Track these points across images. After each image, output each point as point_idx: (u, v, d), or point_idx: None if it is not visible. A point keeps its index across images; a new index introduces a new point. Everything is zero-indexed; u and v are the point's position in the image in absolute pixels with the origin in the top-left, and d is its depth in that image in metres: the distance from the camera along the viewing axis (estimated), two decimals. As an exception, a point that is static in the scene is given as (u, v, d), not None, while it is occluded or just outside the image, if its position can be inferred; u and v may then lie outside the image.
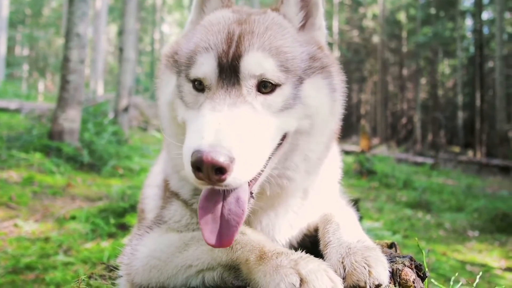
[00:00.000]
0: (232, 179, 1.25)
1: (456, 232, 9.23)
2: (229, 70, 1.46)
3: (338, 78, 1.67)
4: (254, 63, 1.45)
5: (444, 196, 13.37)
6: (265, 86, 1.47)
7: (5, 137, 9.80)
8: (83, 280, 1.89)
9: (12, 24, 39.14)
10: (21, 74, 45.15)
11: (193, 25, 1.76)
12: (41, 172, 7.97)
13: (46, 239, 5.13)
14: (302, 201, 1.77)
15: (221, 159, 1.20)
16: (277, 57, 1.48)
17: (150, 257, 1.62)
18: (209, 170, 1.22)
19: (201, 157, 1.20)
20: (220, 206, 1.37)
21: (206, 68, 1.48)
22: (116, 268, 1.87)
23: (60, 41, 44.21)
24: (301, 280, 1.25)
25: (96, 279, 2.13)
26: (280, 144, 1.52)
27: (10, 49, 41.99)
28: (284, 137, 1.53)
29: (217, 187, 1.31)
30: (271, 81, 1.46)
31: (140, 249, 1.69)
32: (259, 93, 1.47)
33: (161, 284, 1.59)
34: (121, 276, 1.74)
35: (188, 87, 1.54)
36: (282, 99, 1.48)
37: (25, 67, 46.52)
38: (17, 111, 15.63)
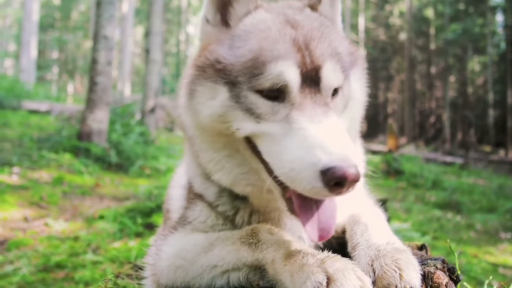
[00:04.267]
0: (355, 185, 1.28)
1: (488, 234, 8.99)
2: (309, 79, 1.43)
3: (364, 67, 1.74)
4: (332, 75, 1.46)
5: (475, 197, 13.05)
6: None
7: (36, 138, 10.06)
8: (111, 279, 1.91)
9: (43, 28, 40.13)
10: (51, 76, 46.30)
11: (215, 28, 1.66)
12: (71, 172, 8.14)
13: (76, 238, 5.22)
14: None
15: (358, 176, 1.23)
16: (339, 61, 1.49)
17: (175, 257, 1.63)
18: (350, 185, 1.23)
19: (345, 175, 1.20)
20: (314, 203, 1.38)
21: (287, 77, 1.42)
22: (142, 268, 1.88)
23: (88, 44, 45.11)
24: (328, 278, 1.22)
25: (123, 279, 2.15)
26: None
27: (41, 52, 43.06)
28: None
29: (331, 197, 1.33)
30: (339, 87, 1.50)
31: (165, 250, 1.70)
32: (332, 98, 1.50)
33: (186, 284, 1.59)
34: (147, 277, 1.75)
35: (255, 98, 1.45)
36: (343, 99, 1.53)
37: (55, 69, 47.66)
38: (48, 112, 16.02)
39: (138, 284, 2.04)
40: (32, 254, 4.62)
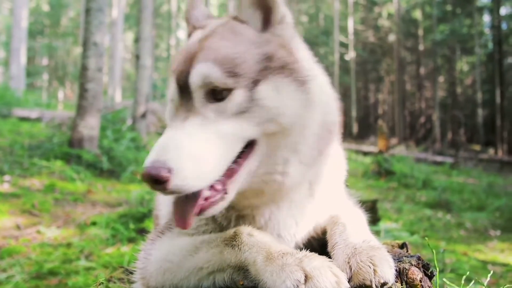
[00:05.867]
0: (175, 186, 1.32)
1: (477, 232, 9.11)
2: (184, 88, 1.52)
3: (307, 70, 1.62)
4: (198, 75, 1.48)
5: (465, 195, 13.20)
6: (218, 94, 1.49)
7: (27, 145, 10.03)
8: (102, 283, 1.96)
9: (32, 34, 39.91)
10: (41, 83, 46.05)
11: None
12: (62, 179, 8.14)
13: (68, 245, 5.25)
14: (309, 197, 1.76)
15: (155, 172, 1.30)
16: (223, 64, 1.48)
17: (163, 261, 1.69)
18: (150, 183, 1.34)
19: (143, 173, 1.33)
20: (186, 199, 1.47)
21: (171, 91, 1.59)
22: (133, 272, 1.93)
23: (78, 50, 44.91)
24: (306, 276, 1.29)
25: (115, 282, 2.19)
26: (250, 148, 1.54)
27: (30, 59, 42.83)
28: (252, 143, 1.53)
29: (167, 195, 1.40)
30: (217, 87, 1.47)
31: (153, 253, 1.76)
32: (212, 101, 1.49)
33: (174, 286, 1.65)
34: (137, 280, 1.81)
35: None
36: (235, 103, 1.47)
37: (45, 76, 47.41)
38: (38, 119, 15.92)
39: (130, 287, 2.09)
40: (25, 261, 4.64)
